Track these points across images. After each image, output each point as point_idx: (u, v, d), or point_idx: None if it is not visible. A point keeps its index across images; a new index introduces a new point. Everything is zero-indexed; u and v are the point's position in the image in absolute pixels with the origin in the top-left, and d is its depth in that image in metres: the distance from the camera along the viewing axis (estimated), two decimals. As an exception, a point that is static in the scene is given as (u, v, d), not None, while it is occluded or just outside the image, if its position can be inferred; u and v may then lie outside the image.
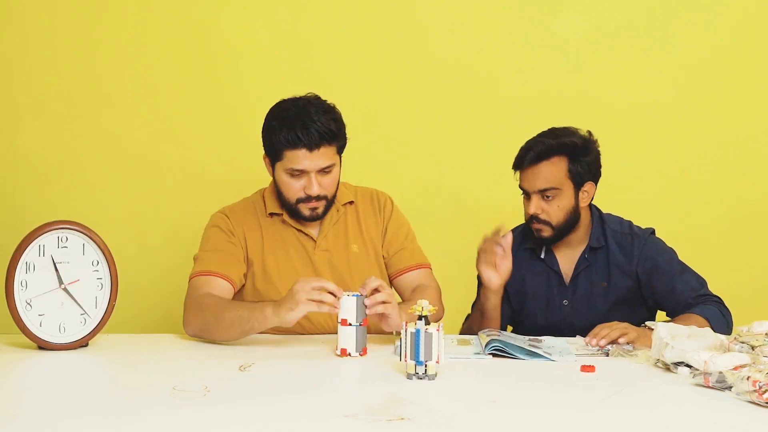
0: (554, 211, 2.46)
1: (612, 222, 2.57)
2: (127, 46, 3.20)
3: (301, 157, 2.28)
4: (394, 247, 2.49)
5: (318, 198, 2.34)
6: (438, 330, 1.87)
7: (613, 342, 2.18)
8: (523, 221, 2.61)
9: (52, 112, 3.20)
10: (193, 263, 2.38)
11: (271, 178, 2.44)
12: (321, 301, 2.05)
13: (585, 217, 2.54)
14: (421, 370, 1.87)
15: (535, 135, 2.52)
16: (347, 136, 2.37)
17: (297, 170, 2.30)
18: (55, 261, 2.14)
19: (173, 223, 3.22)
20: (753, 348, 1.99)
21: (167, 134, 3.21)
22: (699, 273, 2.51)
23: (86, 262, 2.18)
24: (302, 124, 2.26)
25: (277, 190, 2.39)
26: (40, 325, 2.12)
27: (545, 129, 2.53)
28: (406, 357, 1.88)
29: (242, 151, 3.19)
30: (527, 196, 2.49)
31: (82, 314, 2.16)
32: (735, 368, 1.81)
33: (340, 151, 2.36)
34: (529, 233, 2.56)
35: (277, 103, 2.37)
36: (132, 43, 3.20)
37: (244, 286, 2.41)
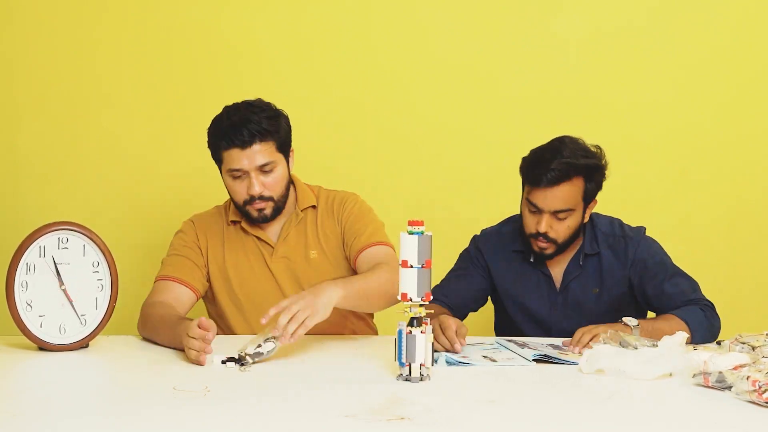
0: (563, 230, 2.38)
1: (602, 224, 2.49)
2: (127, 46, 3.19)
3: (235, 156, 2.29)
4: (353, 233, 2.41)
5: (262, 198, 2.33)
6: (423, 333, 1.82)
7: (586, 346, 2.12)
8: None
9: (52, 112, 3.20)
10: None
11: None
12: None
13: None
14: (405, 371, 1.85)
15: (545, 144, 2.40)
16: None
17: (235, 170, 2.31)
18: (55, 262, 2.14)
19: (173, 223, 3.20)
20: (753, 348, 1.99)
21: (167, 134, 3.20)
22: (698, 274, 2.47)
23: (86, 263, 2.18)
24: (231, 124, 2.31)
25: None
26: (41, 326, 2.12)
27: (553, 137, 2.40)
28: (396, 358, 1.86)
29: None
30: (537, 212, 2.38)
31: (82, 315, 2.16)
32: (735, 368, 1.81)
33: (281, 149, 2.33)
34: (520, 235, 2.48)
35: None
36: (132, 43, 3.19)
37: (213, 292, 2.42)
